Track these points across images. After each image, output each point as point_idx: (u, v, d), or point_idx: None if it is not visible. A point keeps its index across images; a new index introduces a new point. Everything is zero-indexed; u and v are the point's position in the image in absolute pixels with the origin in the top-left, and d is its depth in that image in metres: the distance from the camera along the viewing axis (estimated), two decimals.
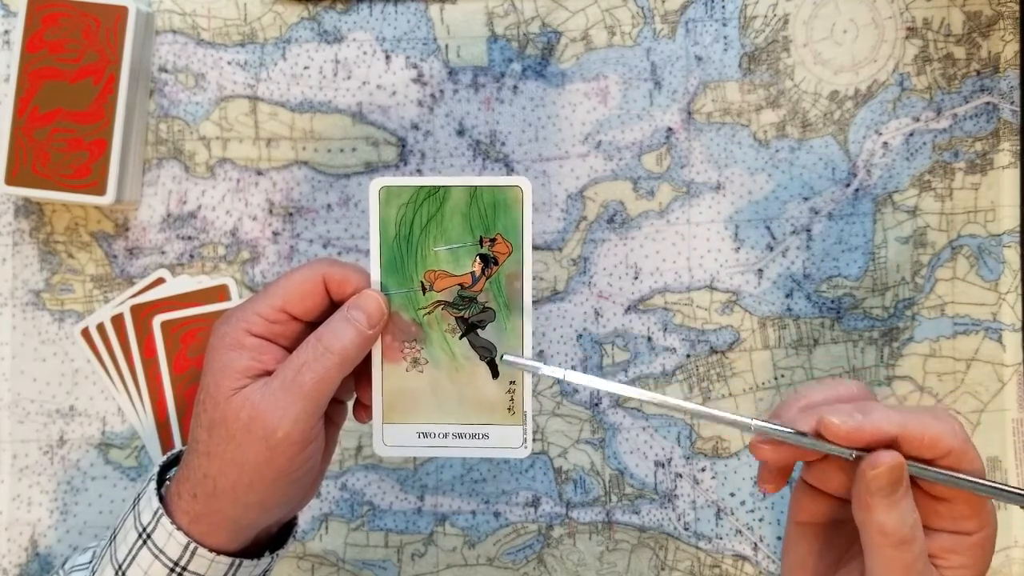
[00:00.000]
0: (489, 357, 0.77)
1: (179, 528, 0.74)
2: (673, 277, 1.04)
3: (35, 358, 1.03)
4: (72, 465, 1.03)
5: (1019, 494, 0.69)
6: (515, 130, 1.04)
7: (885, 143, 1.03)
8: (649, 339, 1.04)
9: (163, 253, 1.04)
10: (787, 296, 1.04)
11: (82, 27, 0.97)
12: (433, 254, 0.76)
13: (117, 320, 1.03)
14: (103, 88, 0.97)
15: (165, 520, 0.74)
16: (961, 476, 0.68)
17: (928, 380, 1.04)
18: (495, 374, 0.77)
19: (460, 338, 0.77)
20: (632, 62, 1.04)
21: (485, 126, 1.04)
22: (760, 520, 1.04)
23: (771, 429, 0.70)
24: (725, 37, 1.03)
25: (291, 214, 1.04)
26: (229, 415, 0.71)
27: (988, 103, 1.03)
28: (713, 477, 1.04)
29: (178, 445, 1.02)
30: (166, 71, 1.04)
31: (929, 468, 0.68)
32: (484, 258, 0.76)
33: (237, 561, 0.76)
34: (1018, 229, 1.04)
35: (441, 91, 1.04)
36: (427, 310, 0.77)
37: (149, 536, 0.74)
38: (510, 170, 1.04)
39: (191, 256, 1.04)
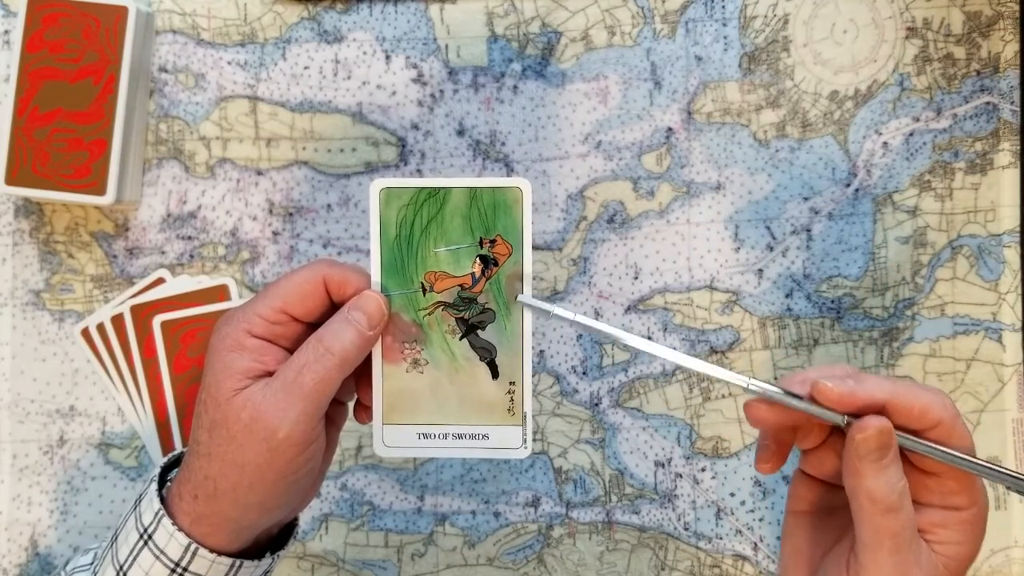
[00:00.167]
0: (489, 358, 0.77)
1: (180, 529, 0.74)
2: (673, 277, 1.04)
3: (35, 358, 1.03)
4: (72, 465, 1.04)
5: (1004, 472, 0.69)
6: (515, 130, 1.04)
7: (885, 143, 1.03)
8: (649, 339, 1.04)
9: (163, 253, 1.04)
10: (787, 296, 1.04)
11: (82, 27, 0.97)
12: (433, 255, 0.76)
13: (117, 320, 1.03)
14: (103, 88, 0.97)
15: (166, 521, 0.74)
16: (949, 450, 0.69)
17: (928, 380, 1.04)
18: (495, 375, 0.77)
19: (460, 339, 0.77)
20: (632, 62, 1.04)
21: (485, 126, 1.04)
22: (760, 520, 1.04)
23: (766, 389, 0.71)
24: (725, 37, 1.04)
25: (291, 214, 1.04)
26: (230, 416, 0.71)
27: (988, 103, 1.03)
28: (713, 477, 1.04)
29: (178, 445, 1.03)
30: (166, 71, 1.04)
31: (918, 440, 0.69)
32: (484, 259, 0.76)
33: (238, 562, 0.76)
34: (1018, 229, 1.04)
35: (441, 91, 1.04)
36: (427, 311, 0.77)
37: (150, 537, 0.74)
38: (510, 170, 1.04)
39: (191, 256, 1.04)
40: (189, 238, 1.04)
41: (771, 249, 1.04)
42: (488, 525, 1.04)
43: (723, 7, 1.03)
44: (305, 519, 1.04)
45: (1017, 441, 1.04)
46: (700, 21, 1.04)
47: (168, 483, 0.79)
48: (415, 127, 1.04)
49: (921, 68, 1.03)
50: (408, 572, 1.04)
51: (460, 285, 0.76)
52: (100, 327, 1.03)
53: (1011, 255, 1.04)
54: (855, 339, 1.04)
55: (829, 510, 0.77)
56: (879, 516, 0.68)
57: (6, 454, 1.03)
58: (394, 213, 0.76)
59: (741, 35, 1.03)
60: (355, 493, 1.04)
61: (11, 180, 0.97)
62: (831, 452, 0.75)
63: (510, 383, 0.77)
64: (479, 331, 0.77)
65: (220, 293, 1.03)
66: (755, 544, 1.04)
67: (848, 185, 1.03)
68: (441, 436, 0.78)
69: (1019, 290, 1.04)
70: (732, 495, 1.04)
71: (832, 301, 1.04)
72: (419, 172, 1.04)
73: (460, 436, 0.78)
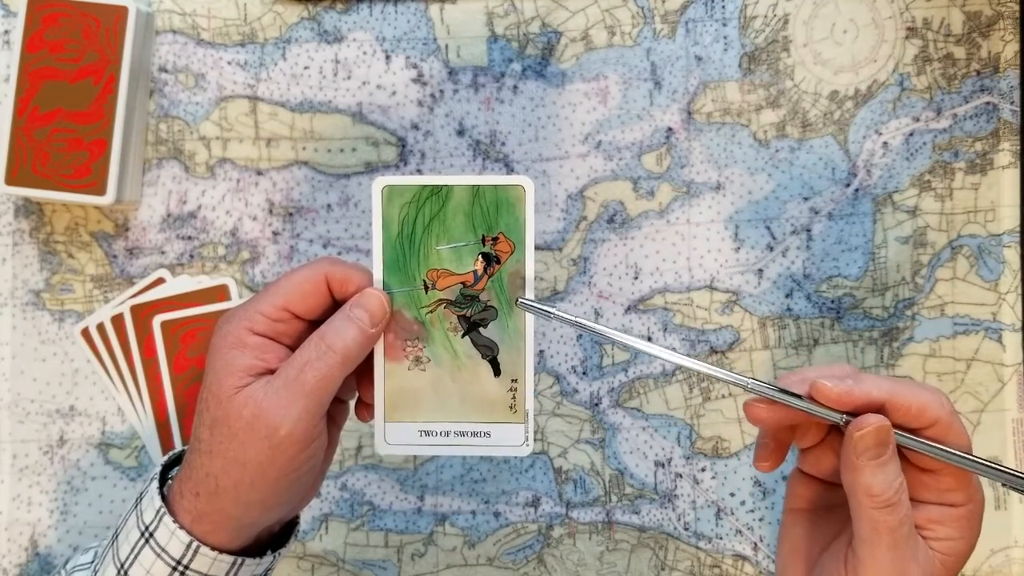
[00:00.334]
0: (491, 356, 0.77)
1: (181, 527, 0.74)
2: (673, 277, 1.04)
3: (35, 358, 1.03)
4: (72, 465, 1.03)
5: (1000, 470, 0.70)
6: (515, 130, 1.04)
7: (885, 143, 1.03)
8: (649, 339, 1.04)
9: (163, 253, 1.04)
10: (787, 296, 1.04)
11: (82, 27, 0.97)
12: (435, 253, 0.76)
13: (117, 320, 1.03)
14: (103, 88, 0.97)
15: (167, 519, 0.74)
16: (946, 448, 0.70)
17: (928, 380, 1.04)
18: (497, 373, 0.77)
19: (462, 337, 0.77)
20: (632, 62, 1.04)
21: (485, 126, 1.04)
22: (760, 520, 1.04)
23: (766, 388, 0.72)
24: (725, 37, 1.04)
25: (291, 214, 1.04)
26: (232, 413, 0.71)
27: (988, 103, 1.04)
28: (713, 477, 1.04)
29: (178, 445, 1.02)
30: (166, 71, 1.04)
31: (916, 438, 0.70)
32: (486, 257, 0.76)
33: (239, 560, 0.75)
34: (1018, 229, 1.04)
35: (441, 91, 1.04)
36: (429, 309, 0.77)
37: (151, 535, 0.74)
38: (510, 170, 1.04)
39: (191, 256, 1.04)
40: (189, 238, 1.04)
41: (771, 249, 1.04)
42: (488, 525, 1.04)
43: (723, 7, 1.04)
44: (305, 519, 1.04)
45: (1017, 441, 1.04)
46: (700, 21, 1.04)
47: (169, 481, 0.78)
48: (415, 127, 1.04)
49: (921, 68, 1.04)
50: (408, 572, 1.04)
51: (462, 283, 0.76)
52: (100, 327, 1.03)
53: (1011, 255, 1.04)
54: (855, 339, 1.04)
55: (827, 508, 0.78)
56: (877, 512, 0.69)
57: (6, 454, 1.03)
58: (396, 210, 0.76)
59: (741, 35, 1.04)
60: (355, 493, 1.04)
61: (11, 180, 0.97)
62: (829, 451, 0.76)
63: (512, 381, 0.77)
64: (481, 329, 0.77)
65: (220, 293, 1.03)
66: (755, 544, 1.04)
67: (848, 185, 1.03)
68: (443, 434, 0.78)
69: (1019, 290, 1.04)
70: (732, 495, 1.04)
71: (832, 301, 1.04)
72: (419, 172, 1.04)
73: (462, 434, 0.78)
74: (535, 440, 1.03)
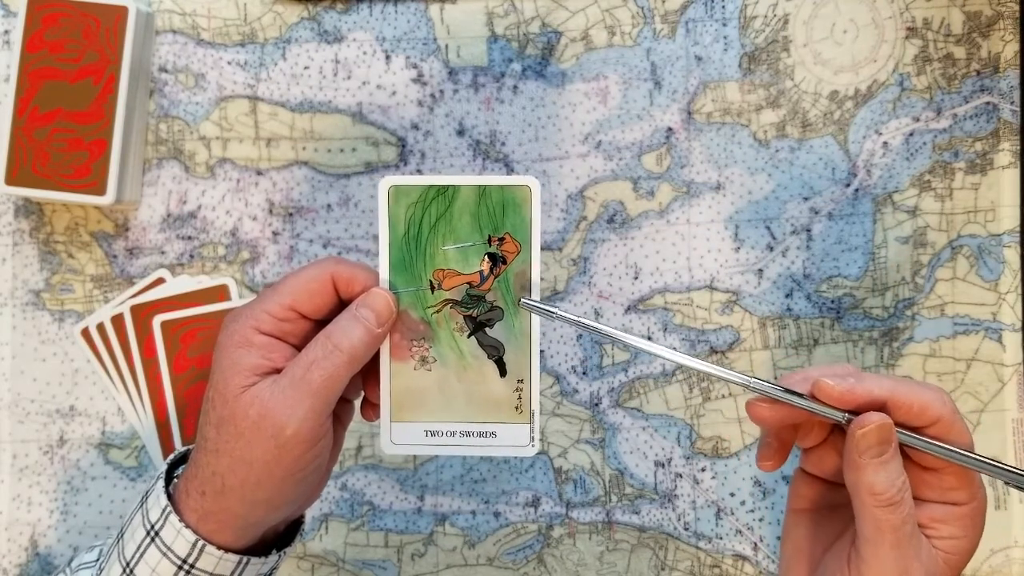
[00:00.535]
0: (497, 356, 0.77)
1: (187, 526, 0.74)
2: (673, 277, 1.04)
3: (35, 358, 1.03)
4: (72, 465, 1.03)
5: (1002, 468, 0.70)
6: (515, 130, 1.04)
7: (885, 143, 1.04)
8: (649, 339, 1.04)
9: (163, 253, 1.04)
10: (787, 296, 1.04)
11: (82, 27, 0.97)
12: (442, 253, 0.76)
13: (117, 320, 1.03)
14: (103, 88, 0.97)
15: (173, 518, 0.74)
16: (948, 447, 0.70)
17: (928, 380, 1.04)
18: (503, 373, 0.77)
19: (468, 337, 0.77)
20: (632, 62, 1.04)
21: (485, 126, 1.04)
22: (760, 520, 1.05)
23: (768, 387, 0.72)
24: (725, 37, 1.04)
25: (291, 214, 1.04)
26: (238, 412, 0.71)
27: (988, 103, 1.04)
28: (713, 477, 1.04)
29: (178, 445, 1.02)
30: (166, 71, 1.04)
31: (918, 436, 0.71)
32: (493, 257, 0.76)
33: (245, 559, 0.75)
34: (1018, 229, 1.04)
35: (441, 91, 1.04)
36: (435, 309, 0.77)
37: (157, 534, 0.74)
38: (510, 170, 1.04)
39: (191, 256, 1.04)
40: (189, 238, 1.04)
41: (771, 249, 1.04)
42: (488, 525, 1.04)
43: (723, 7, 1.04)
44: (305, 519, 1.03)
45: (1017, 441, 1.04)
46: (700, 21, 1.04)
47: (175, 480, 0.78)
48: (415, 127, 1.04)
49: (921, 68, 1.04)
50: (408, 572, 1.04)
51: (468, 283, 0.76)
52: (100, 327, 1.03)
53: (1011, 255, 1.04)
54: (855, 339, 1.04)
55: (830, 508, 0.78)
56: (880, 510, 0.69)
57: (6, 454, 1.03)
58: (402, 210, 0.76)
59: (741, 35, 1.04)
60: (355, 493, 1.04)
61: (11, 180, 0.97)
62: (831, 450, 0.76)
63: (518, 381, 0.77)
64: (487, 329, 0.77)
65: (220, 293, 1.03)
66: (755, 544, 1.04)
67: (848, 185, 1.04)
68: (448, 434, 0.78)
69: (1019, 290, 1.04)
70: (732, 495, 1.05)
71: (832, 301, 1.04)
72: (419, 172, 1.04)
73: (468, 434, 0.78)
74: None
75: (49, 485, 1.03)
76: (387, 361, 0.77)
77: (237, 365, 0.73)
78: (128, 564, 0.76)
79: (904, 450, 0.71)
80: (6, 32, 1.04)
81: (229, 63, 1.04)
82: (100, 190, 0.97)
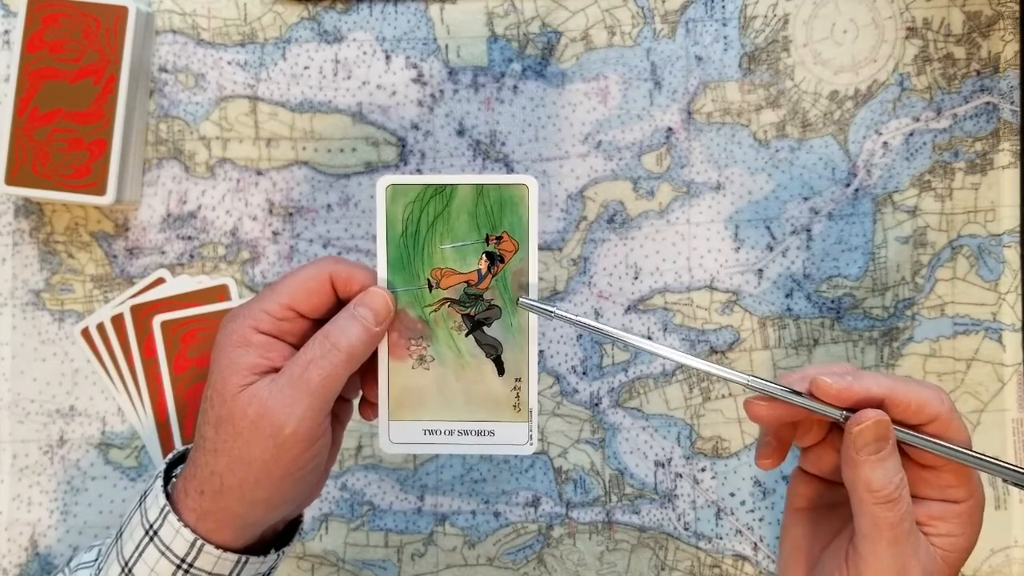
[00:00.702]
0: (495, 354, 0.77)
1: (186, 525, 0.74)
2: (673, 277, 1.04)
3: (35, 358, 1.03)
4: (72, 465, 1.03)
5: (1000, 465, 0.70)
6: (515, 130, 1.04)
7: (885, 143, 1.04)
8: (649, 339, 1.04)
9: (163, 253, 1.04)
10: (787, 296, 1.04)
11: (82, 27, 0.97)
12: (439, 252, 0.76)
13: (117, 320, 1.03)
14: (103, 88, 0.97)
15: (172, 517, 0.74)
16: (946, 444, 0.70)
17: (928, 380, 1.04)
18: (501, 371, 0.77)
19: (466, 335, 0.77)
20: (632, 62, 1.04)
21: (485, 126, 1.04)
22: (760, 520, 1.04)
23: (766, 385, 0.72)
24: (725, 37, 1.04)
25: (291, 214, 1.04)
26: (236, 412, 0.71)
27: (988, 103, 1.04)
28: (713, 477, 1.04)
29: (178, 445, 1.02)
30: (166, 71, 1.04)
31: (916, 434, 0.71)
32: (490, 256, 0.76)
33: (243, 558, 0.75)
34: (1018, 229, 1.04)
35: (441, 91, 1.04)
36: (433, 307, 0.77)
37: (156, 533, 0.74)
38: (510, 170, 1.04)
39: (191, 256, 1.04)
40: (189, 238, 1.04)
41: (771, 249, 1.04)
42: (488, 525, 1.04)
43: (723, 7, 1.04)
44: (305, 519, 1.03)
45: (1017, 441, 1.04)
46: (700, 21, 1.04)
47: (173, 479, 0.78)
48: (415, 127, 1.04)
49: (921, 68, 1.04)
50: (408, 572, 1.04)
51: (466, 282, 0.76)
52: (100, 327, 1.03)
53: (1011, 255, 1.04)
54: (855, 339, 1.04)
55: (828, 506, 0.79)
56: (878, 507, 0.69)
57: (6, 454, 1.03)
58: (400, 210, 0.76)
59: (741, 35, 1.04)
60: (355, 493, 1.04)
61: (11, 180, 0.97)
62: (830, 449, 0.76)
63: (516, 379, 0.77)
64: (485, 327, 0.77)
65: (220, 293, 1.03)
66: (755, 544, 1.04)
67: (848, 185, 1.04)
68: (447, 432, 0.78)
69: (1019, 290, 1.04)
70: (732, 495, 1.04)
71: (832, 301, 1.04)
72: (419, 172, 1.04)
73: (466, 432, 0.78)
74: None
75: (49, 485, 1.03)
76: (385, 360, 0.77)
77: (235, 364, 0.73)
78: (127, 563, 0.76)
79: (902, 448, 0.71)
80: (6, 32, 1.04)
81: (229, 63, 1.04)
82: (100, 190, 0.97)
